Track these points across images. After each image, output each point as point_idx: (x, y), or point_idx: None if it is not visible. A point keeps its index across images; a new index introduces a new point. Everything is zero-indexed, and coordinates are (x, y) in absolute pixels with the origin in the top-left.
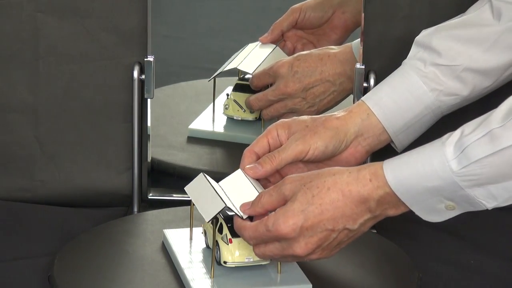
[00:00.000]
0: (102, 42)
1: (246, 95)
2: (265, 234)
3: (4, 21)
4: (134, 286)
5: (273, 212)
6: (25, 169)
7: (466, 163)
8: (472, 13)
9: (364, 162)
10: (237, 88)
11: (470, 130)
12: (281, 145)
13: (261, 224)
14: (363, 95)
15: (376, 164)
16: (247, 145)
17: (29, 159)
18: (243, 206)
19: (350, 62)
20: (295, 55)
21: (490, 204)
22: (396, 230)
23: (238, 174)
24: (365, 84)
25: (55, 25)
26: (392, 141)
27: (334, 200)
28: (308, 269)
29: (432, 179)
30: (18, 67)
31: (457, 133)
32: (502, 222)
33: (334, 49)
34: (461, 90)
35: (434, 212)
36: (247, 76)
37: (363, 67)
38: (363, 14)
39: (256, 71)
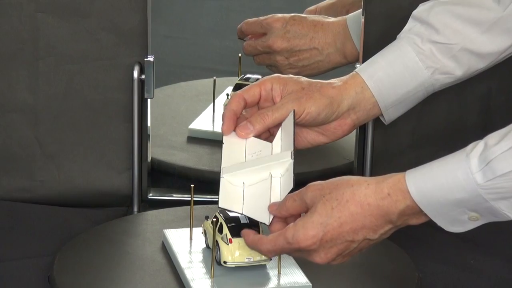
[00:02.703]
0: (102, 42)
1: None
2: (285, 246)
3: (4, 21)
4: (134, 286)
5: (292, 224)
6: (25, 169)
7: (491, 176)
8: None
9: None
10: (237, 88)
11: (495, 142)
12: (273, 100)
13: (280, 237)
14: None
15: (397, 175)
16: None
17: (29, 159)
18: (271, 207)
19: (342, 35)
20: (292, 14)
21: None
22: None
23: (229, 144)
24: None
25: (55, 25)
26: (381, 115)
27: (353, 213)
28: (308, 269)
29: (456, 191)
30: (18, 67)
31: (481, 145)
32: (502, 222)
33: (329, 19)
34: (456, 69)
35: (457, 223)
36: (246, 78)
37: None
38: (363, 14)
39: (248, 20)
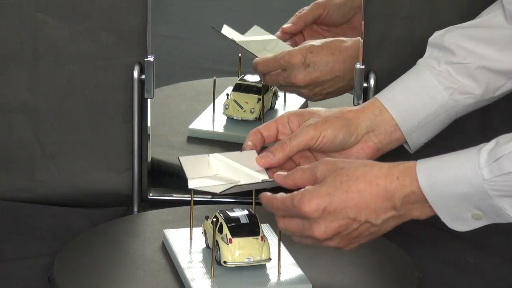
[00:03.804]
0: (102, 42)
1: (246, 95)
2: (290, 209)
3: (4, 21)
4: (134, 286)
5: (302, 189)
6: (25, 169)
7: (498, 173)
8: (484, 17)
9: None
10: (237, 88)
11: (506, 141)
12: (292, 132)
13: (289, 198)
14: (363, 95)
15: (409, 162)
16: None
17: (29, 159)
18: (278, 175)
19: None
20: (307, 45)
21: None
22: (396, 230)
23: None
24: (365, 84)
25: (55, 25)
26: (405, 141)
27: (361, 190)
28: (308, 269)
29: (462, 185)
30: (18, 67)
31: (492, 142)
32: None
33: (346, 42)
34: (475, 88)
35: (460, 220)
36: (246, 78)
37: (363, 67)
38: (363, 14)
39: (262, 58)
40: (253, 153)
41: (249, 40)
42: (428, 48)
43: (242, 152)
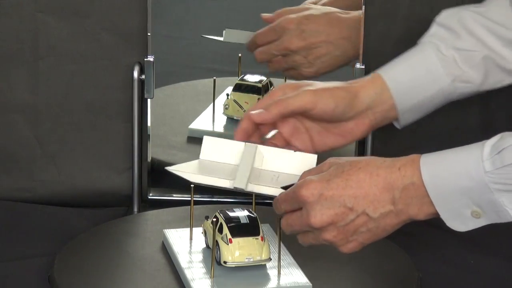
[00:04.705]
0: (102, 42)
1: (246, 95)
2: (290, 196)
3: (4, 21)
4: (134, 286)
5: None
6: (25, 169)
7: (499, 165)
8: (492, 4)
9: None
10: (237, 88)
11: (510, 134)
12: None
13: (291, 188)
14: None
15: (413, 155)
16: None
17: (29, 159)
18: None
19: (357, 29)
20: (306, 13)
21: None
22: (396, 230)
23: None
24: None
25: (55, 25)
26: (396, 119)
27: (360, 180)
28: (308, 269)
29: (464, 178)
30: (18, 67)
31: (497, 137)
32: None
33: (345, 14)
34: (476, 78)
35: (460, 218)
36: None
37: (363, 67)
38: (363, 14)
39: (259, 31)
40: (293, 154)
41: (233, 35)
42: (434, 25)
43: (285, 151)
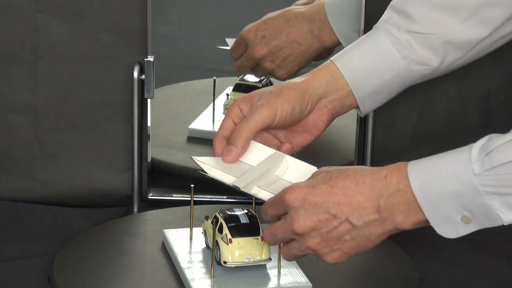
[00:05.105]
0: (102, 42)
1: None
2: (276, 200)
3: (4, 21)
4: (134, 286)
5: None
6: (25, 169)
7: (488, 166)
8: None
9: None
10: (237, 88)
11: (498, 135)
12: None
13: (277, 194)
14: None
15: (400, 162)
16: None
17: (29, 159)
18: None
19: (317, 22)
20: (263, 18)
21: (507, 217)
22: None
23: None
24: None
25: (55, 25)
26: (357, 106)
27: (346, 187)
28: (308, 269)
29: (453, 181)
30: (18, 67)
31: (484, 138)
32: None
33: (302, 8)
34: (432, 60)
35: (449, 224)
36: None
37: None
38: (363, 14)
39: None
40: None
41: None
42: (387, 10)
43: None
